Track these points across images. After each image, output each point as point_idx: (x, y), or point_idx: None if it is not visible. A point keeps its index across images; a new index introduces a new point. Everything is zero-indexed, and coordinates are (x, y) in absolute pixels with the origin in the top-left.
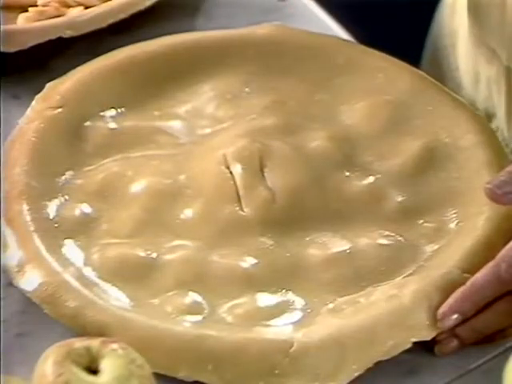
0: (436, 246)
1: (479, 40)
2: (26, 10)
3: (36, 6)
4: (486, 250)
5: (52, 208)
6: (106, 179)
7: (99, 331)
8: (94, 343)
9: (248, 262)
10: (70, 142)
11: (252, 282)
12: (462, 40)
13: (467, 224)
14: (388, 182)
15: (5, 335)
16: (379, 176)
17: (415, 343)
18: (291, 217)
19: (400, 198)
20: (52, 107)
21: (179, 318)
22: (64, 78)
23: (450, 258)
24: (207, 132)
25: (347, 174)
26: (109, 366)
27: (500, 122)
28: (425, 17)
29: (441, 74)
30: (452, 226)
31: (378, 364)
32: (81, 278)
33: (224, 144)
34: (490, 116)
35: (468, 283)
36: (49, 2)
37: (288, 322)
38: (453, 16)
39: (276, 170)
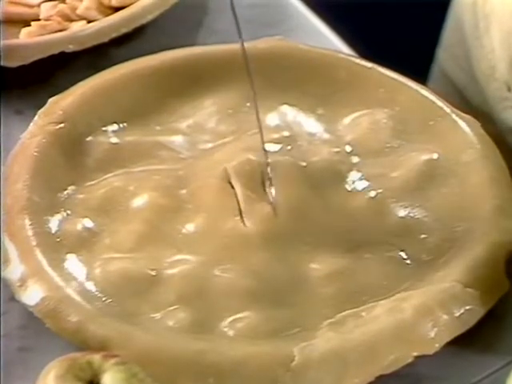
0: (438, 261)
1: None
2: (29, 25)
3: (38, 20)
4: (488, 265)
5: (54, 223)
6: (107, 194)
7: (101, 345)
8: (96, 357)
9: (249, 276)
10: (72, 157)
11: (253, 297)
12: (496, 25)
13: (469, 239)
14: (390, 196)
15: (6, 349)
16: (381, 191)
17: (417, 357)
18: (293, 231)
19: (402, 213)
20: (54, 122)
21: (180, 332)
22: (66, 93)
23: (452, 272)
24: (209, 147)
25: (349, 188)
26: (110, 380)
27: None
28: (428, 31)
29: (470, 55)
30: (453, 241)
31: (380, 378)
32: (83, 292)
33: (225, 158)
34: None
35: None
36: (51, 17)
37: (289, 336)
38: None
39: (278, 185)
